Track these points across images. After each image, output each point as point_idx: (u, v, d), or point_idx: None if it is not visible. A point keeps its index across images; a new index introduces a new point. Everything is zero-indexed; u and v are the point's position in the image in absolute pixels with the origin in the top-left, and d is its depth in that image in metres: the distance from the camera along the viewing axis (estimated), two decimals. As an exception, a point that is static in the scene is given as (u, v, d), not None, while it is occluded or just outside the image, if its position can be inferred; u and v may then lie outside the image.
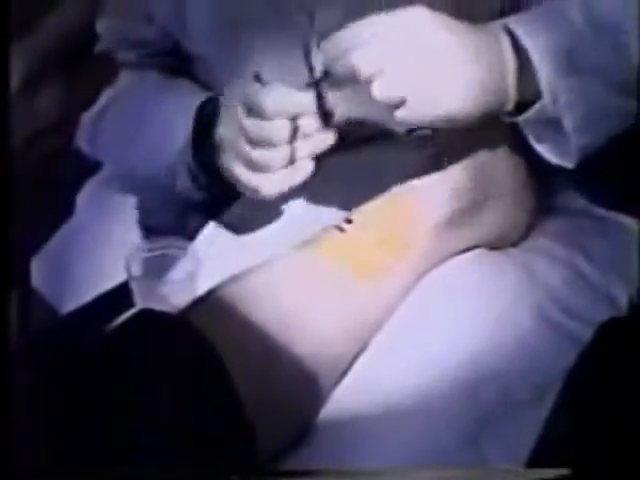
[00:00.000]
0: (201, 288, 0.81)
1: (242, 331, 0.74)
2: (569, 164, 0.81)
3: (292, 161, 0.83)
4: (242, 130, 0.83)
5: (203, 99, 0.93)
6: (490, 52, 0.77)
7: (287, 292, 0.78)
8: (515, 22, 0.79)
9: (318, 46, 0.90)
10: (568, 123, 0.78)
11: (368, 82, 0.75)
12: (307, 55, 0.94)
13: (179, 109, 0.93)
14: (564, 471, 0.66)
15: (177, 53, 1.02)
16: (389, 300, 0.81)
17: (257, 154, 0.83)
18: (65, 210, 1.10)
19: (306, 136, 0.83)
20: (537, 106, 0.78)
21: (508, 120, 0.80)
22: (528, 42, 0.77)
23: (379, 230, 0.82)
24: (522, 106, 0.79)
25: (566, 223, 0.90)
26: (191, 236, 0.91)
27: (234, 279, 0.80)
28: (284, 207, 0.92)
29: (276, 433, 0.72)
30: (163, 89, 1.00)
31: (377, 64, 0.75)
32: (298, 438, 0.74)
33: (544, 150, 0.82)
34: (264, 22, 0.94)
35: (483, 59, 0.76)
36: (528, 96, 0.78)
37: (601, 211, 0.91)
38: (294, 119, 0.82)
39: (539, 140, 0.82)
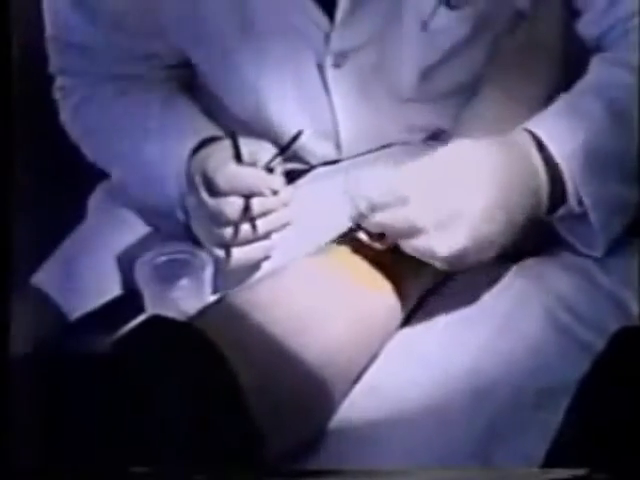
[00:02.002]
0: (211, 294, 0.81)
1: (253, 338, 0.73)
2: (597, 254, 0.84)
3: (249, 238, 0.85)
4: (205, 209, 0.85)
5: (197, 140, 0.93)
6: (524, 171, 0.78)
7: (298, 299, 0.78)
8: (538, 126, 0.80)
9: (333, 65, 0.93)
10: (594, 220, 0.81)
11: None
12: (323, 76, 0.94)
13: (172, 154, 0.94)
14: (580, 471, 0.66)
15: (185, 66, 1.03)
16: (399, 309, 0.81)
17: (219, 231, 0.85)
18: (76, 213, 1.10)
19: (263, 214, 0.84)
20: (564, 208, 0.80)
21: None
22: (553, 149, 0.78)
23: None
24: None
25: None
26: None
27: (246, 286, 0.80)
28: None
29: (287, 441, 0.72)
30: (164, 117, 1.00)
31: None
32: (309, 445, 0.74)
33: (574, 242, 0.85)
34: (276, 40, 0.94)
35: (520, 174, 0.77)
36: (557, 195, 0.80)
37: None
38: (249, 197, 0.83)
39: (570, 233, 0.85)
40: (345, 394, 0.78)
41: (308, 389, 0.74)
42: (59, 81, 1.05)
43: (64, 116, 1.05)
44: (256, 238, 0.86)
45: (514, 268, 0.86)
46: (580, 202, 0.80)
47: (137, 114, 1.01)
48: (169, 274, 0.84)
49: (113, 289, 0.93)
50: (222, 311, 0.76)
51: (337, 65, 0.95)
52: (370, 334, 0.79)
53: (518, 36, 0.97)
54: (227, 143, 0.87)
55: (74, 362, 0.69)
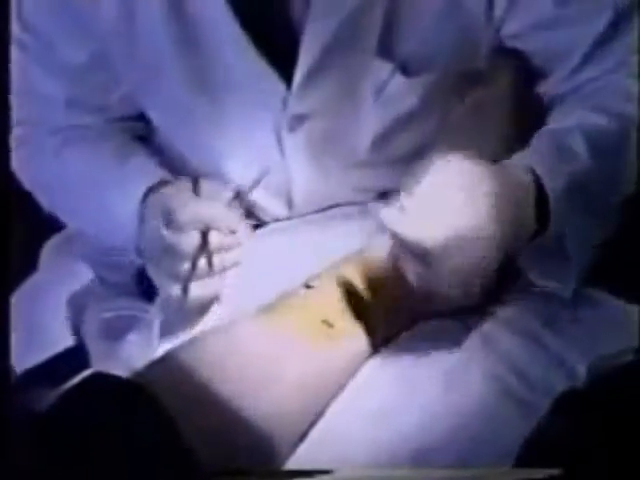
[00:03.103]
0: (159, 350, 0.80)
1: (198, 394, 0.73)
2: (567, 292, 0.85)
3: (204, 274, 0.85)
4: (161, 242, 0.85)
5: (151, 182, 0.93)
6: (517, 198, 0.78)
7: (245, 356, 0.77)
8: (534, 160, 0.81)
9: (289, 129, 0.94)
10: (572, 254, 0.82)
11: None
12: (278, 138, 0.95)
13: (126, 197, 0.93)
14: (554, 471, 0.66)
15: (141, 119, 1.03)
16: (347, 366, 0.81)
17: (173, 266, 0.85)
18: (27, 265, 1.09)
19: (219, 249, 0.85)
20: (540, 239, 0.80)
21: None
22: (548, 183, 0.79)
23: (338, 295, 0.82)
24: None
25: (527, 291, 0.90)
26: (149, 297, 0.90)
27: (192, 342, 0.79)
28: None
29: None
30: (117, 163, 1.00)
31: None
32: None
33: (545, 282, 0.85)
34: (233, 101, 0.95)
35: (511, 208, 0.76)
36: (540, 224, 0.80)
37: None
38: (206, 232, 0.84)
39: (535, 268, 0.84)
40: (291, 450, 0.77)
41: (253, 445, 0.74)
42: (15, 130, 1.05)
43: (16, 165, 1.05)
44: (211, 274, 0.86)
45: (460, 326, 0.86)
46: (558, 234, 0.81)
47: (89, 162, 1.01)
48: (116, 330, 0.84)
49: (62, 343, 0.92)
50: (168, 367, 0.76)
51: (292, 129, 0.96)
52: (318, 391, 0.79)
53: (472, 96, 0.99)
54: (188, 183, 0.89)
55: (17, 417, 0.69)
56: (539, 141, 0.85)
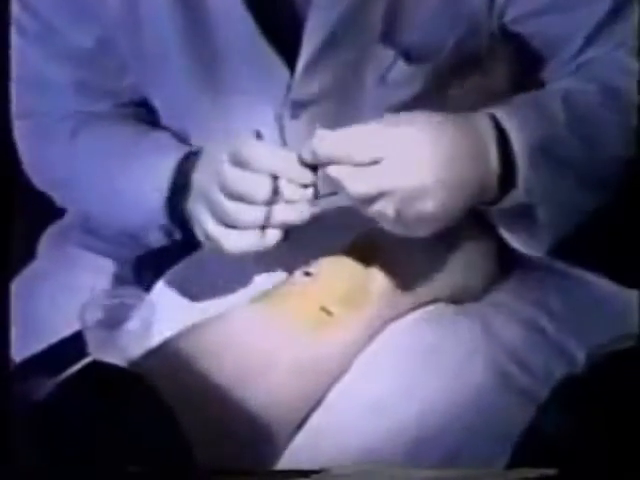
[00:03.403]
0: (157, 339, 0.80)
1: (196, 383, 0.73)
2: (538, 254, 0.83)
3: (263, 225, 0.78)
4: (221, 178, 0.78)
5: (179, 156, 0.89)
6: (477, 146, 0.77)
7: (243, 344, 0.77)
8: (503, 114, 0.79)
9: (291, 116, 0.93)
10: (541, 215, 0.80)
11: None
12: (280, 126, 0.95)
13: (152, 168, 0.90)
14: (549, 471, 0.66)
15: (146, 105, 1.02)
16: (344, 354, 0.81)
17: (231, 206, 0.78)
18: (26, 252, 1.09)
19: (284, 203, 0.78)
20: (512, 195, 0.78)
21: (482, 208, 0.81)
22: (513, 136, 0.77)
23: (336, 283, 0.81)
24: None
25: (526, 277, 0.90)
26: (147, 285, 0.90)
27: (189, 330, 0.79)
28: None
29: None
30: (139, 140, 0.98)
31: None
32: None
33: (514, 240, 0.83)
34: (235, 87, 0.94)
35: (470, 154, 0.76)
36: (507, 184, 0.78)
37: (561, 265, 0.91)
38: (276, 179, 0.77)
39: (510, 230, 0.83)
40: (290, 438, 0.77)
41: (252, 434, 0.74)
42: (19, 118, 1.04)
43: (24, 153, 1.04)
44: (267, 225, 0.78)
45: (460, 313, 0.87)
46: (529, 193, 0.78)
47: (106, 143, 0.99)
48: (114, 318, 0.83)
49: (60, 331, 0.92)
50: (165, 356, 0.76)
51: (295, 116, 0.95)
52: (315, 379, 0.79)
53: (473, 81, 0.99)
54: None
55: (16, 405, 0.69)
56: (517, 98, 0.84)
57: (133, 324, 0.84)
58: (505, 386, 0.79)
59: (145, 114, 1.04)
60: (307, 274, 0.82)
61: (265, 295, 0.82)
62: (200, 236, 0.83)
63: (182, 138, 1.01)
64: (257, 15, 0.89)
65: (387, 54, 0.92)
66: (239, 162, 0.77)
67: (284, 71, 0.92)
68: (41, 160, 1.03)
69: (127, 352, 0.81)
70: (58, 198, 1.05)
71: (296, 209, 0.78)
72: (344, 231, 0.87)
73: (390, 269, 0.83)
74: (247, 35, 0.90)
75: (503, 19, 0.92)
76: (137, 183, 0.91)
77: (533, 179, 0.78)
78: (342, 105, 0.96)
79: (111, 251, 1.04)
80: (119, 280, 0.97)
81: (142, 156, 0.93)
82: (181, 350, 0.76)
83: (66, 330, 0.91)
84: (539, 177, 0.78)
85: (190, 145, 0.97)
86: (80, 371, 0.70)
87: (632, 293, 0.87)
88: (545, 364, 0.81)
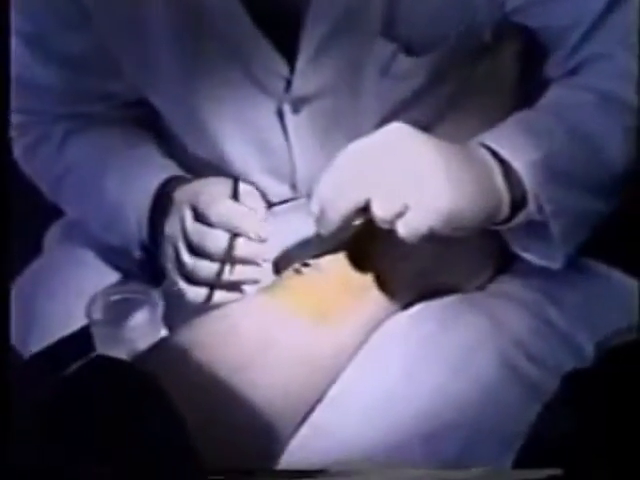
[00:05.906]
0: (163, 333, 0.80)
1: (198, 378, 0.72)
2: (555, 266, 0.83)
3: (219, 282, 0.82)
4: (184, 232, 0.83)
5: (163, 177, 0.92)
6: (474, 163, 0.77)
7: (244, 338, 0.77)
8: (490, 138, 0.79)
9: (292, 111, 0.93)
10: (554, 230, 0.80)
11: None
12: (282, 121, 0.94)
13: (135, 190, 0.93)
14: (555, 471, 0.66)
15: (143, 105, 1.02)
16: (347, 346, 0.80)
17: (189, 261, 0.83)
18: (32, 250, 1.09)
19: (240, 261, 0.82)
20: (524, 213, 0.79)
21: (495, 228, 0.81)
22: (507, 154, 0.78)
23: (338, 274, 0.81)
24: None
25: (533, 267, 0.89)
26: (155, 281, 0.90)
27: (191, 325, 0.79)
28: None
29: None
30: (126, 153, 1.00)
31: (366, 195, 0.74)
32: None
33: (530, 256, 0.84)
34: (234, 85, 0.93)
35: (470, 170, 0.75)
36: (517, 201, 0.78)
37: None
38: (235, 237, 0.81)
39: (524, 248, 0.84)
40: (292, 434, 0.76)
41: (253, 429, 0.73)
42: (15, 119, 1.04)
43: (18, 154, 1.04)
44: (229, 284, 0.83)
45: (466, 303, 0.86)
46: (540, 210, 0.79)
47: (95, 151, 1.01)
48: (120, 313, 0.83)
49: (65, 328, 0.91)
50: (168, 350, 0.75)
51: (296, 111, 0.95)
52: (317, 373, 0.78)
53: (476, 73, 0.98)
54: (217, 180, 0.87)
55: (20, 401, 0.69)
56: (508, 122, 0.83)
57: (139, 319, 0.83)
58: (514, 377, 0.78)
59: (142, 114, 1.04)
60: (305, 265, 0.82)
61: (265, 288, 0.82)
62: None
63: (179, 135, 1.01)
64: (255, 10, 0.88)
65: (388, 48, 0.92)
66: (200, 216, 0.82)
67: (284, 67, 0.92)
68: (34, 161, 1.04)
69: (133, 347, 0.81)
70: (48, 195, 1.06)
71: (250, 269, 0.83)
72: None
73: (390, 263, 0.83)
74: (245, 32, 0.90)
75: (504, 9, 0.92)
76: (118, 197, 0.94)
77: (541, 196, 0.78)
78: (344, 99, 0.95)
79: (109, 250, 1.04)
80: (125, 275, 0.96)
81: (125, 170, 0.96)
82: (182, 343, 0.75)
83: (72, 326, 0.91)
84: (547, 193, 0.78)
85: (186, 148, 1.00)
86: (85, 365, 0.69)
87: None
88: (554, 356, 0.80)
